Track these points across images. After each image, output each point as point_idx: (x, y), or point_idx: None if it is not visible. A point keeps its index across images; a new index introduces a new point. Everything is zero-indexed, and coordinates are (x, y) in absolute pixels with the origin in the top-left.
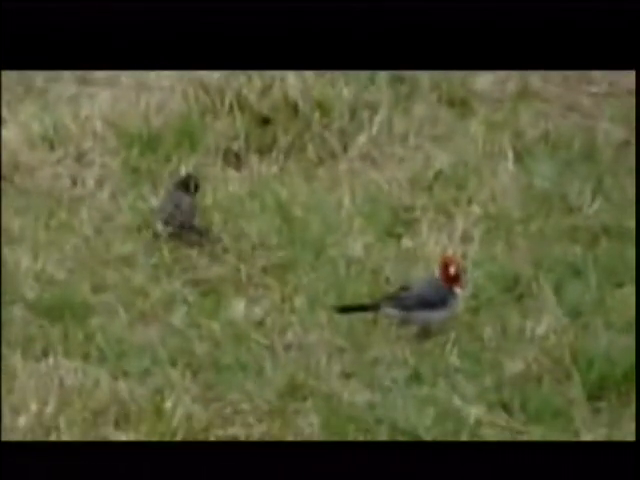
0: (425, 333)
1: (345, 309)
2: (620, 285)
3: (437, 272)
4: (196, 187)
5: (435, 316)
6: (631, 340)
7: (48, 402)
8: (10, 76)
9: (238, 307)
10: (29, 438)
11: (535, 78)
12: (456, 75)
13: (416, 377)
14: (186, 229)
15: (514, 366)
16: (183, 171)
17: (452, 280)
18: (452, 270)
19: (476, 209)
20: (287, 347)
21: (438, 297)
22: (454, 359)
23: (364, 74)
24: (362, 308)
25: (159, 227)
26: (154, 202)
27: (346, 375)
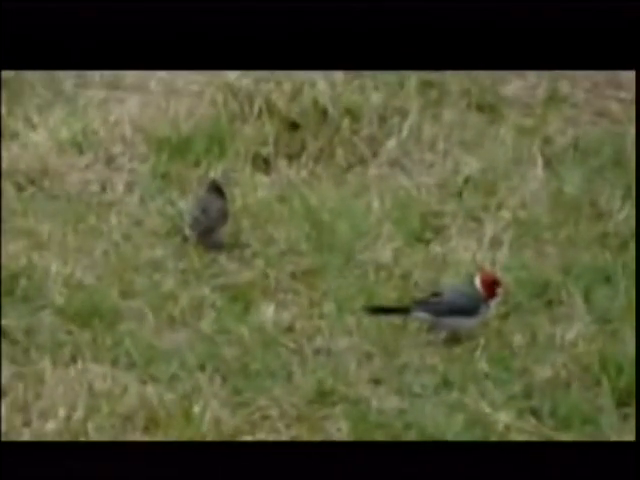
0: (454, 339)
1: (376, 310)
2: None
3: (477, 281)
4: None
5: (464, 323)
6: None
7: (77, 407)
8: (39, 81)
9: (267, 312)
10: None
11: (564, 84)
12: (485, 80)
13: (445, 383)
14: (210, 235)
15: (543, 372)
16: (213, 174)
17: (492, 296)
18: (496, 290)
19: (505, 215)
20: (316, 352)
21: (469, 305)
22: (483, 365)
23: (393, 80)
24: (393, 310)
25: (187, 231)
26: (183, 207)
27: (375, 381)
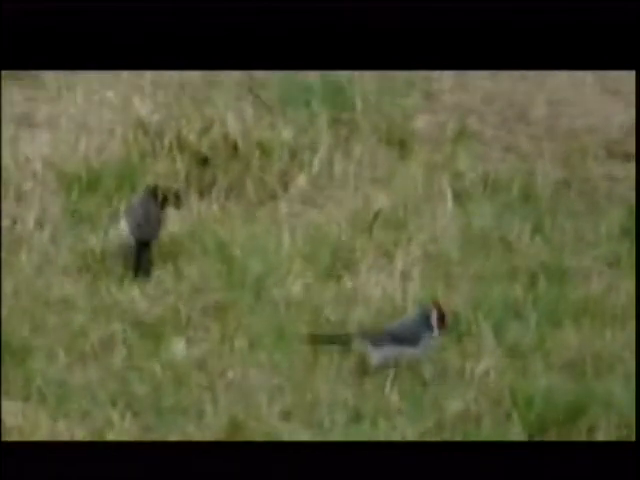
0: (379, 368)
1: (316, 339)
2: (559, 325)
3: (434, 314)
4: (164, 199)
5: (406, 352)
6: (570, 381)
7: None
8: None
9: (178, 348)
10: None
11: (473, 119)
12: (396, 116)
13: (356, 418)
14: (148, 242)
15: (454, 406)
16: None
17: (443, 326)
18: (445, 319)
19: (416, 249)
20: (227, 387)
21: (410, 334)
22: (395, 399)
23: (303, 115)
24: (334, 339)
25: (125, 235)
26: (94, 243)
27: (286, 415)
